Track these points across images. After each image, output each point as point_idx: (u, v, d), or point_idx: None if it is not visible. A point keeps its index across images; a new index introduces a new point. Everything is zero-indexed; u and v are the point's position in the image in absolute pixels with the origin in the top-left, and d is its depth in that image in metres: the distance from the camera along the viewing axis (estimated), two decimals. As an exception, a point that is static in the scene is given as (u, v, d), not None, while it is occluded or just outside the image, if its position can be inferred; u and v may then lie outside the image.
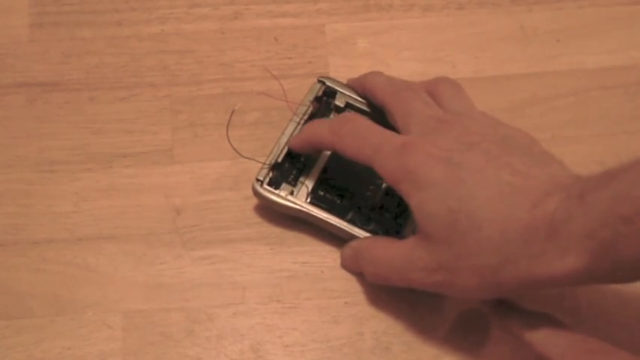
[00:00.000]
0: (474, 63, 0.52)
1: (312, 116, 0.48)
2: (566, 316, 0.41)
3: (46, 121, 0.50)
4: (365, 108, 0.49)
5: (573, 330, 0.39)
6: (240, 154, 0.48)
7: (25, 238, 0.47)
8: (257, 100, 0.50)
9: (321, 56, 0.52)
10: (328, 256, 0.47)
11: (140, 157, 0.49)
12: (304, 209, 0.46)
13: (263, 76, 0.51)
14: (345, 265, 0.47)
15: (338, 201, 0.47)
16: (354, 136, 0.43)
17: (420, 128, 0.42)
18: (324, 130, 0.45)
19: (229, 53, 0.52)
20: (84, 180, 0.49)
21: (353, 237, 0.46)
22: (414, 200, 0.40)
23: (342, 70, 0.52)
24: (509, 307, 0.41)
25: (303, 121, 0.48)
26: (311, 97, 0.49)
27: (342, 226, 0.46)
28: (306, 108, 0.48)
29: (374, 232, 0.46)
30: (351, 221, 0.46)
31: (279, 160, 0.47)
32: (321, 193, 0.47)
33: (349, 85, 0.50)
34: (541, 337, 0.39)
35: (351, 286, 0.47)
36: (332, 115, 0.49)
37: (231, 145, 0.48)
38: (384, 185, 0.47)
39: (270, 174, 0.47)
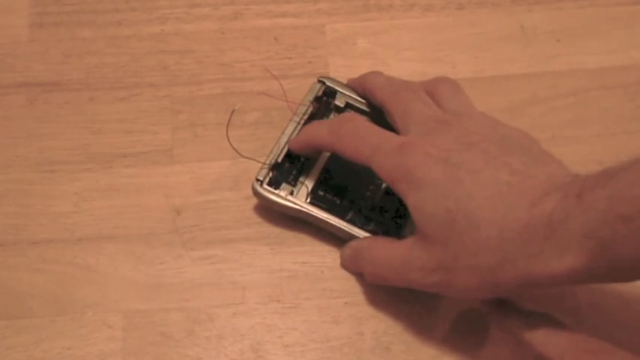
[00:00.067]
0: (473, 63, 0.52)
1: (312, 116, 0.48)
2: (566, 316, 0.41)
3: (46, 121, 0.50)
4: (365, 108, 0.49)
5: (573, 330, 0.39)
6: (240, 154, 0.48)
7: (25, 238, 0.47)
8: (257, 100, 0.50)
9: (321, 56, 0.52)
10: (328, 256, 0.47)
11: (140, 157, 0.49)
12: (304, 209, 0.46)
13: (263, 76, 0.51)
14: (344, 265, 0.47)
15: (338, 201, 0.47)
16: (352, 137, 0.43)
17: (419, 128, 0.42)
18: (323, 130, 0.45)
19: (229, 53, 0.52)
20: (84, 180, 0.49)
21: (352, 237, 0.46)
22: (412, 200, 0.40)
23: (342, 70, 0.52)
24: (508, 307, 0.41)
25: (303, 121, 0.48)
26: (311, 97, 0.49)
27: (341, 226, 0.46)
28: (306, 108, 0.48)
29: (374, 233, 0.46)
30: (350, 221, 0.46)
31: (279, 160, 0.47)
32: (321, 193, 0.47)
33: (349, 85, 0.50)
34: (541, 337, 0.39)
35: (351, 286, 0.47)
36: (332, 115, 0.49)
37: (231, 145, 0.48)
38: (383, 185, 0.47)
39: (270, 174, 0.47)
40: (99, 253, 0.47)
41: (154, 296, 0.46)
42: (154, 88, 0.51)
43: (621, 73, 0.52)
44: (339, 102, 0.49)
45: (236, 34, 0.53)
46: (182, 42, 0.53)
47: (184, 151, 0.50)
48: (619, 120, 0.51)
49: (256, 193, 0.47)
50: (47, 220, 0.48)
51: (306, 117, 0.48)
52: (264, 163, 0.47)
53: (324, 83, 0.49)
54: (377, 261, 0.44)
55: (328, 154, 0.48)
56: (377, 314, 0.46)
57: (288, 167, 0.47)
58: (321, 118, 0.48)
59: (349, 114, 0.48)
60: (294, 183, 0.47)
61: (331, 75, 0.51)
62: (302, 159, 0.47)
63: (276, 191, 0.46)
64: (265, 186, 0.46)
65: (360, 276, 0.46)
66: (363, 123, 0.44)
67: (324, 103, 0.49)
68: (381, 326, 0.46)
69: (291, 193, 0.47)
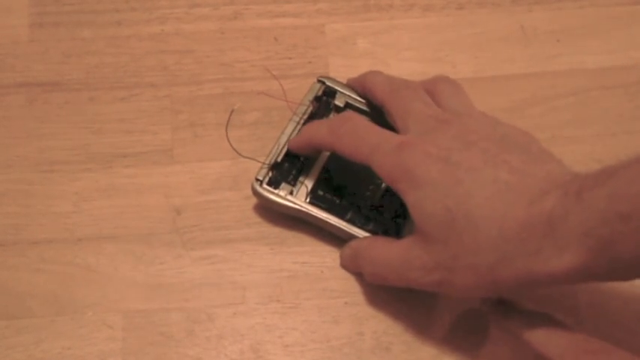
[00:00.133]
0: (474, 63, 0.52)
1: (311, 116, 0.48)
2: (566, 316, 0.41)
3: (46, 121, 0.50)
4: (364, 108, 0.49)
5: (573, 330, 0.39)
6: (239, 154, 0.48)
7: (25, 238, 0.47)
8: (257, 100, 0.50)
9: (321, 56, 0.52)
10: (328, 256, 0.47)
11: (140, 157, 0.49)
12: (304, 209, 0.46)
13: (263, 76, 0.51)
14: (344, 265, 0.47)
15: (337, 201, 0.47)
16: (352, 136, 0.43)
17: (419, 127, 0.42)
18: (322, 130, 0.45)
19: (229, 53, 0.52)
20: (84, 180, 0.49)
21: (352, 237, 0.46)
22: (412, 199, 0.40)
23: (342, 70, 0.52)
24: (508, 307, 0.41)
25: (302, 121, 0.48)
26: (311, 97, 0.49)
27: (341, 226, 0.46)
28: (305, 108, 0.48)
29: (373, 232, 0.46)
30: (350, 221, 0.46)
31: (279, 159, 0.47)
32: (321, 193, 0.47)
33: (349, 85, 0.50)
34: (541, 337, 0.39)
35: (351, 286, 0.47)
36: (332, 115, 0.49)
37: (230, 144, 0.48)
38: (383, 185, 0.47)
39: (270, 174, 0.47)
40: (99, 253, 0.47)
41: (154, 296, 0.46)
42: (153, 88, 0.51)
43: (621, 73, 0.52)
44: (339, 102, 0.49)
45: (236, 34, 0.53)
46: (182, 42, 0.53)
47: (184, 151, 0.50)
48: (619, 120, 0.51)
49: (256, 193, 0.47)
50: (47, 220, 0.48)
51: (305, 117, 0.48)
52: (263, 163, 0.47)
53: (323, 83, 0.49)
54: (376, 261, 0.44)
55: (328, 153, 0.48)
56: (377, 314, 0.46)
57: (288, 167, 0.47)
58: (321, 117, 0.48)
59: (348, 113, 0.48)
60: (293, 183, 0.47)
61: (331, 75, 0.51)
62: (301, 159, 0.47)
63: (276, 191, 0.46)
64: (265, 186, 0.46)
65: (359, 276, 0.46)
66: (363, 122, 0.44)
67: (323, 103, 0.49)
68: (381, 326, 0.46)
69: (291, 193, 0.47)
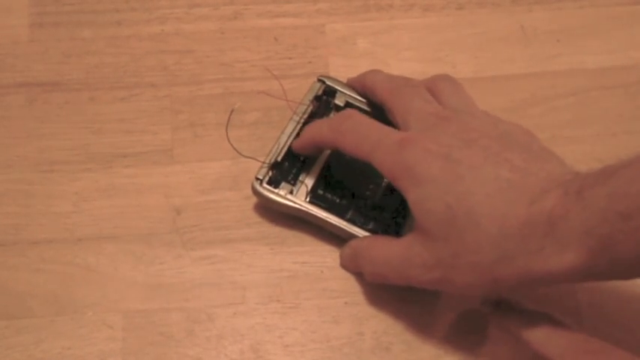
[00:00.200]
0: (474, 63, 0.52)
1: (311, 115, 0.48)
2: (566, 316, 0.41)
3: (46, 121, 0.50)
4: (365, 107, 0.49)
5: (573, 330, 0.39)
6: (240, 154, 0.48)
7: (25, 238, 0.47)
8: (257, 100, 0.50)
9: (321, 56, 0.52)
10: (328, 256, 0.47)
11: (140, 157, 0.49)
12: (304, 208, 0.46)
13: (263, 76, 0.51)
14: (344, 265, 0.47)
15: (337, 200, 0.47)
16: (353, 133, 0.43)
17: (420, 125, 0.42)
18: (324, 128, 0.45)
19: (229, 53, 0.52)
20: (84, 180, 0.49)
21: (352, 236, 0.46)
22: (412, 196, 0.40)
23: (342, 70, 0.52)
24: (508, 307, 0.41)
25: (302, 121, 0.48)
26: (311, 97, 0.49)
27: (341, 226, 0.46)
28: (305, 107, 0.48)
29: (373, 232, 0.46)
30: (350, 220, 0.46)
31: (279, 159, 0.47)
32: (321, 192, 0.47)
33: (349, 85, 0.50)
34: (540, 337, 0.39)
35: (351, 286, 0.47)
36: (332, 115, 0.49)
37: (231, 144, 0.48)
38: (383, 184, 0.47)
39: (270, 173, 0.47)
40: (99, 253, 0.47)
41: (154, 296, 0.46)
42: (153, 88, 0.51)
43: (621, 73, 0.52)
44: (339, 101, 0.49)
45: (236, 34, 0.53)
46: (182, 42, 0.53)
47: (184, 151, 0.50)
48: (619, 120, 0.51)
49: (256, 192, 0.47)
50: (47, 220, 0.48)
51: (305, 116, 0.48)
52: (263, 162, 0.47)
53: (324, 82, 0.49)
54: (376, 260, 0.44)
55: (328, 152, 0.48)
56: (377, 314, 0.46)
57: (288, 166, 0.47)
58: (321, 117, 0.48)
59: (349, 111, 0.48)
60: (293, 182, 0.47)
61: (331, 75, 0.51)
62: (301, 158, 0.47)
63: (276, 190, 0.46)
64: (265, 185, 0.46)
65: (360, 276, 0.46)
66: (364, 119, 0.44)
67: (324, 102, 0.49)
68: (382, 326, 0.46)
69: (291, 192, 0.47)
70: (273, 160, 0.47)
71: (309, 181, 0.47)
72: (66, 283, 0.46)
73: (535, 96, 0.52)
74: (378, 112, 0.47)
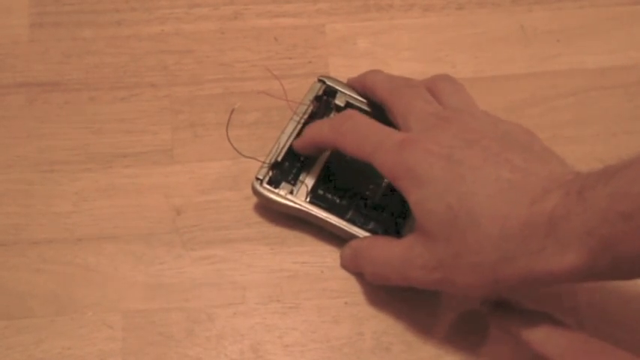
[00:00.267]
0: (473, 63, 0.52)
1: (312, 115, 0.48)
2: (566, 316, 0.41)
3: (46, 121, 0.50)
4: (365, 107, 0.49)
5: (573, 330, 0.39)
6: (240, 153, 0.48)
7: (25, 238, 0.47)
8: (257, 100, 0.50)
9: (321, 56, 0.52)
10: (328, 256, 0.47)
11: (140, 157, 0.49)
12: (304, 208, 0.46)
13: (263, 76, 0.51)
14: (344, 265, 0.47)
15: (337, 200, 0.47)
16: (354, 133, 0.43)
17: (420, 125, 0.42)
18: (324, 129, 0.45)
19: (229, 53, 0.52)
20: (84, 180, 0.49)
21: (352, 236, 0.46)
22: (413, 197, 0.40)
23: (342, 70, 0.52)
24: (507, 307, 0.41)
25: (303, 121, 0.48)
26: (311, 97, 0.49)
27: (341, 226, 0.46)
28: (306, 107, 0.48)
29: (373, 232, 0.46)
30: (350, 220, 0.46)
31: (279, 159, 0.47)
32: (321, 192, 0.47)
33: (349, 85, 0.50)
34: (540, 337, 0.39)
35: (351, 286, 0.47)
36: (332, 115, 0.49)
37: (231, 144, 0.48)
38: (383, 184, 0.47)
39: (270, 173, 0.47)
40: (99, 253, 0.47)
41: (153, 296, 0.46)
42: (153, 88, 0.51)
43: (621, 73, 0.52)
44: (340, 101, 0.49)
45: (236, 34, 0.53)
46: (182, 42, 0.53)
47: (184, 151, 0.50)
48: (619, 120, 0.51)
49: (256, 192, 0.47)
50: (47, 220, 0.48)
51: (306, 116, 0.48)
52: (263, 162, 0.47)
53: (324, 82, 0.49)
54: (377, 260, 0.44)
55: (328, 153, 0.48)
56: (377, 314, 0.46)
57: (288, 166, 0.47)
58: (322, 117, 0.48)
59: (350, 111, 0.48)
60: (293, 182, 0.47)
61: (331, 75, 0.51)
62: (302, 158, 0.47)
63: (276, 190, 0.46)
64: (265, 185, 0.46)
65: (360, 276, 0.46)
66: (365, 120, 0.44)
67: (324, 103, 0.49)
68: (382, 326, 0.46)
69: (291, 192, 0.47)
70: (273, 160, 0.47)
71: (309, 181, 0.47)
72: (66, 283, 0.46)
73: (535, 96, 0.52)
74: (379, 112, 0.47)
